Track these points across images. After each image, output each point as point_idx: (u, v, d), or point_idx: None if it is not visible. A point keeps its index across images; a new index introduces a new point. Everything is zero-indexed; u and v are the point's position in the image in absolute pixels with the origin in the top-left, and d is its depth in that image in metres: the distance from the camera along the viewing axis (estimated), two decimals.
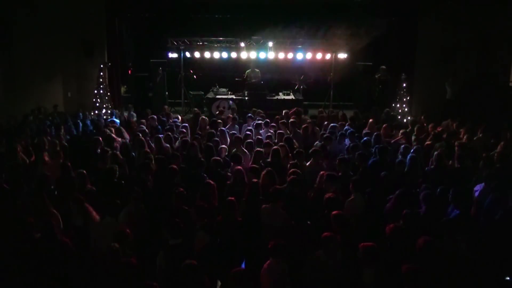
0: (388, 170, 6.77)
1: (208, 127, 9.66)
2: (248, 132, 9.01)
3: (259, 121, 9.78)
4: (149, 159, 7.06)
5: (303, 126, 9.42)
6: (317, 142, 8.43)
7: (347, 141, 8.60)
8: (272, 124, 9.98)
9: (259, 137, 8.69)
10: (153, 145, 8.30)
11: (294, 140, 8.48)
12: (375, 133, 8.66)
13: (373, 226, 5.53)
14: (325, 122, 10.10)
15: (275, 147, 7.60)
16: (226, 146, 8.06)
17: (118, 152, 7.50)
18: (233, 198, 5.40)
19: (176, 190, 5.59)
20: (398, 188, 5.71)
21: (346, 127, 9.63)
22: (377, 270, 4.20)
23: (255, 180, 6.01)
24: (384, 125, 9.57)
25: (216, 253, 4.96)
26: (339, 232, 4.77)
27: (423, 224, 5.03)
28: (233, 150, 7.84)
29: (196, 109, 12.87)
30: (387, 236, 4.71)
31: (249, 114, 10.76)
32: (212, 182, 5.91)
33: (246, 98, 13.64)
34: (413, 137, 9.04)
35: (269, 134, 9.14)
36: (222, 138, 8.73)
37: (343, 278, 4.39)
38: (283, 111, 11.30)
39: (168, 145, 8.26)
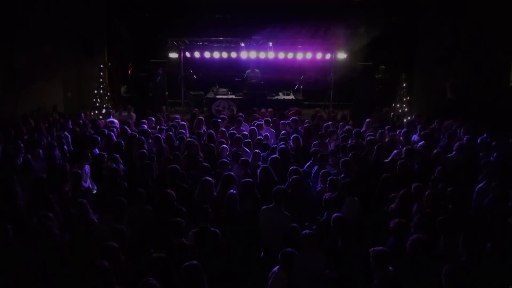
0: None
1: (204, 127, 9.69)
2: (245, 133, 8.99)
3: (260, 122, 9.77)
4: (150, 160, 7.03)
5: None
6: (315, 142, 8.46)
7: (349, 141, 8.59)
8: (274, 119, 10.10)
9: (259, 137, 8.67)
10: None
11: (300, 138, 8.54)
12: (379, 131, 8.72)
13: (372, 229, 5.52)
14: (329, 122, 10.12)
15: (274, 145, 7.60)
16: (227, 146, 8.04)
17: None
18: (234, 192, 5.38)
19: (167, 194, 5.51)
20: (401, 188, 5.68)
21: (349, 127, 9.64)
22: (388, 273, 4.21)
23: (248, 179, 5.96)
24: (387, 126, 9.56)
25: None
26: (339, 235, 4.77)
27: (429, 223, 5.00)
28: (233, 150, 7.84)
29: (196, 109, 12.86)
30: (391, 231, 4.70)
31: (240, 114, 10.69)
32: (210, 180, 5.88)
33: (244, 98, 13.65)
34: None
35: (267, 134, 9.13)
36: (223, 138, 8.70)
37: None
38: (268, 110, 11.43)
39: (167, 145, 8.24)
